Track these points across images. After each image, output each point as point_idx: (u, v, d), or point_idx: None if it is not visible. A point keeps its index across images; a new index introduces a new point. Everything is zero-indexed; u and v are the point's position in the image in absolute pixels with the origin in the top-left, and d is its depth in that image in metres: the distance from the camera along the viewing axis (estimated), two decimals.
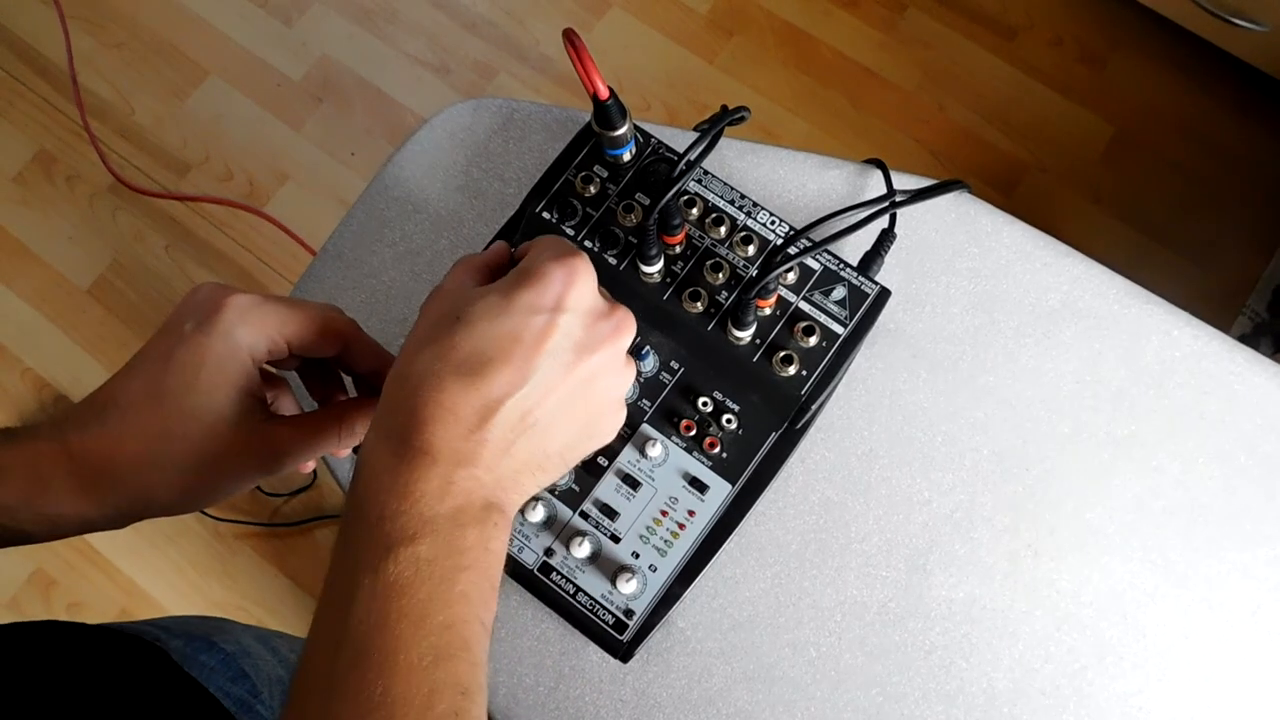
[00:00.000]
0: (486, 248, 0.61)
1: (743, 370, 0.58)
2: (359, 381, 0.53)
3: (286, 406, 0.53)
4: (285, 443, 0.47)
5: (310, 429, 0.48)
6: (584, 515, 0.57)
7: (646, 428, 0.58)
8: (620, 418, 0.46)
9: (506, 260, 0.49)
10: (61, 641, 0.54)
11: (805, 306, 0.58)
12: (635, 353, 0.58)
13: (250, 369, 0.46)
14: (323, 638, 0.37)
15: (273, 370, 0.51)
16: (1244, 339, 1.19)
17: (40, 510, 0.43)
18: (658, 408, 0.58)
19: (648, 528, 0.57)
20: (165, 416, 0.43)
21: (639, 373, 0.58)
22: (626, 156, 0.60)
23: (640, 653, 0.57)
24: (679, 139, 0.64)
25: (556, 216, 0.60)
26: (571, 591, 0.56)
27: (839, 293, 0.59)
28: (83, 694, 0.51)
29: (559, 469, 0.44)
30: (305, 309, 0.48)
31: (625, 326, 0.44)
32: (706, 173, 0.61)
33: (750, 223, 0.60)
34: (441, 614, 0.37)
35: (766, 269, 0.55)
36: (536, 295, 0.41)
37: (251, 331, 0.45)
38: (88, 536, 1.44)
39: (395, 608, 0.36)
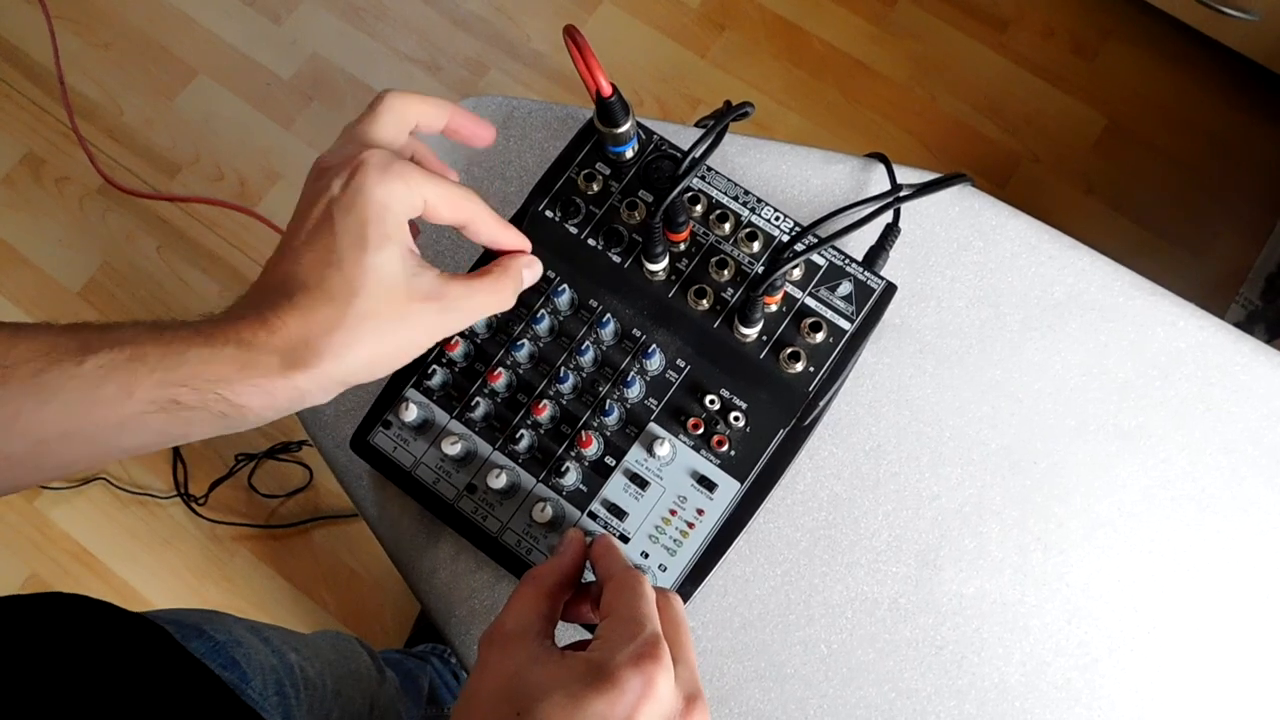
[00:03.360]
0: (490, 251, 0.61)
1: (750, 367, 0.57)
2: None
3: None
4: (460, 297, 0.48)
5: (476, 284, 0.49)
6: (592, 515, 0.57)
7: (654, 426, 0.58)
8: None
9: (579, 571, 0.49)
10: (71, 614, 0.54)
11: (811, 303, 0.58)
12: (642, 351, 0.58)
13: (404, 224, 0.46)
14: None
15: None
16: (1238, 327, 1.19)
17: (254, 382, 0.43)
18: (664, 406, 0.58)
19: (657, 527, 0.56)
20: (348, 278, 0.44)
21: (644, 371, 0.58)
22: (629, 154, 0.60)
23: None
24: (679, 135, 0.64)
25: (559, 215, 0.60)
26: None
27: (845, 288, 0.58)
28: (93, 666, 0.51)
29: None
30: (434, 174, 0.48)
31: None
32: (710, 169, 0.61)
33: (755, 219, 0.60)
34: None
35: (773, 266, 0.55)
36: (609, 705, 0.38)
37: (399, 185, 0.45)
38: (81, 539, 1.43)
39: None
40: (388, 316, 0.45)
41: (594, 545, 0.51)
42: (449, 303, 0.47)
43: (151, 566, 1.43)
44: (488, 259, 0.61)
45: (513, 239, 0.53)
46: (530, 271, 0.54)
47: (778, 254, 0.59)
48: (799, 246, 0.57)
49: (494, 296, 0.51)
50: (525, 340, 0.58)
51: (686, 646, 0.44)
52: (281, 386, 0.43)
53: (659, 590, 0.47)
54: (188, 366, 0.42)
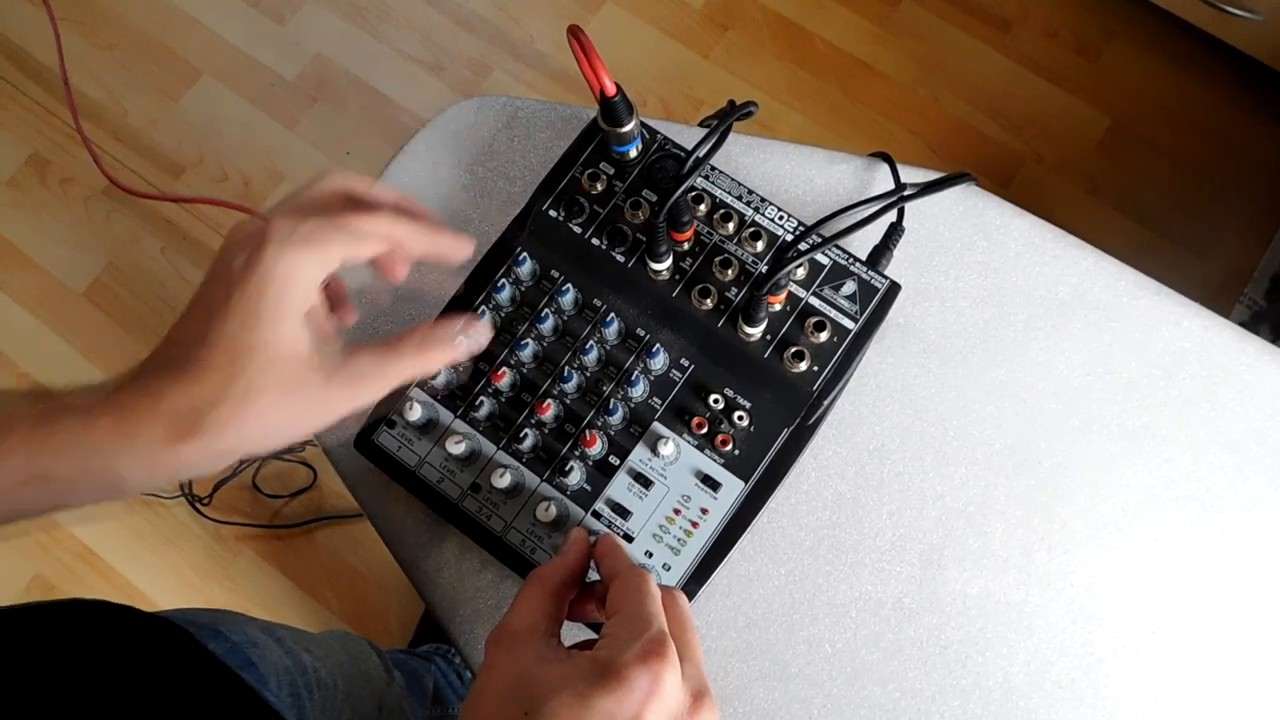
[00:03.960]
0: (493, 250, 0.61)
1: (754, 367, 0.57)
2: None
3: (350, 319, 0.54)
4: (367, 369, 0.47)
5: (390, 354, 0.48)
6: (596, 515, 0.57)
7: (658, 426, 0.58)
8: None
9: (584, 570, 0.49)
10: (95, 619, 0.54)
11: (815, 302, 0.58)
12: (646, 350, 0.58)
13: (310, 295, 0.46)
14: None
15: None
16: (1243, 327, 1.19)
17: (133, 452, 0.42)
18: (669, 405, 0.58)
19: (661, 526, 0.56)
20: (237, 355, 0.44)
21: (648, 370, 0.58)
22: (633, 153, 0.60)
23: None
24: (683, 135, 0.64)
25: (563, 215, 0.60)
26: None
27: (849, 288, 0.58)
28: (121, 671, 0.52)
29: None
30: (342, 219, 0.47)
31: None
32: (714, 168, 0.61)
33: (759, 218, 0.60)
34: None
35: (777, 265, 0.55)
36: (616, 703, 0.39)
37: (303, 252, 0.45)
38: (85, 539, 1.44)
39: None
40: (277, 391, 0.44)
41: (598, 544, 0.51)
42: (350, 376, 0.47)
43: (155, 566, 1.43)
44: (472, 278, 0.61)
45: (447, 243, 0.52)
46: (471, 339, 0.53)
47: (781, 253, 0.59)
48: (803, 246, 0.57)
49: (412, 367, 0.49)
50: (529, 339, 0.58)
51: (693, 644, 0.44)
52: (164, 456, 0.43)
53: (664, 588, 0.47)
54: (58, 438, 0.42)
